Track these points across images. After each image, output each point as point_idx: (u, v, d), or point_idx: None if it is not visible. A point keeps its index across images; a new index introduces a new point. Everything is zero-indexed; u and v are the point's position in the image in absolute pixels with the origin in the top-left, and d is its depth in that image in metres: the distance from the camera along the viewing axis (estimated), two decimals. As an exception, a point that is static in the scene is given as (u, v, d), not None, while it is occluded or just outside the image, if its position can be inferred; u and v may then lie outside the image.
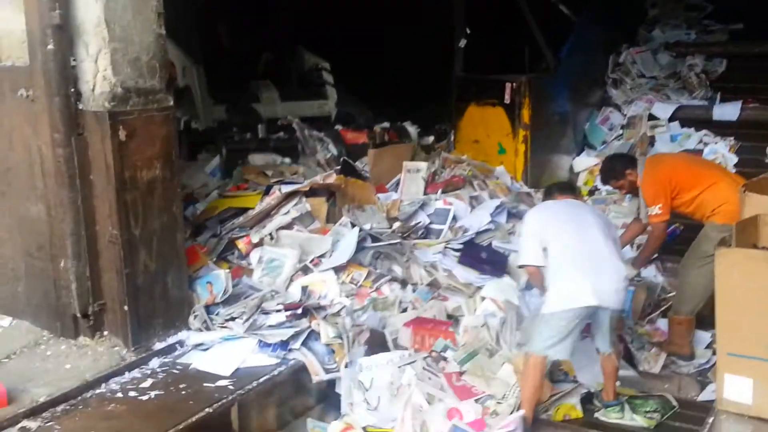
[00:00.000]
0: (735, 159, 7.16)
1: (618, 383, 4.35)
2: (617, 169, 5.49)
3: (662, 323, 5.32)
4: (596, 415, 4.25)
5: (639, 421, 4.20)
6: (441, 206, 5.76)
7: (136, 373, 3.85)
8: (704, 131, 7.56)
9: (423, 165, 6.28)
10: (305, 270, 4.76)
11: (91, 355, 3.99)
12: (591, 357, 4.38)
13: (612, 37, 8.70)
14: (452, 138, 7.50)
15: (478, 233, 5.54)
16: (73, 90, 3.89)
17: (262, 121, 6.32)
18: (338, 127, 7.02)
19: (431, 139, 6.87)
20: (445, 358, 4.39)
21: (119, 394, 3.64)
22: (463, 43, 7.62)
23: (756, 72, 7.84)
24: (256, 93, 6.31)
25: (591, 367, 4.44)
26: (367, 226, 5.11)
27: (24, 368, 3.88)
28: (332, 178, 5.33)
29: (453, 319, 4.82)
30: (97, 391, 3.66)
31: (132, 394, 3.64)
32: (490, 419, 3.97)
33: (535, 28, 7.63)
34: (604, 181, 5.87)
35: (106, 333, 4.11)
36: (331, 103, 6.97)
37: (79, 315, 4.05)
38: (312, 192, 5.25)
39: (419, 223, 5.54)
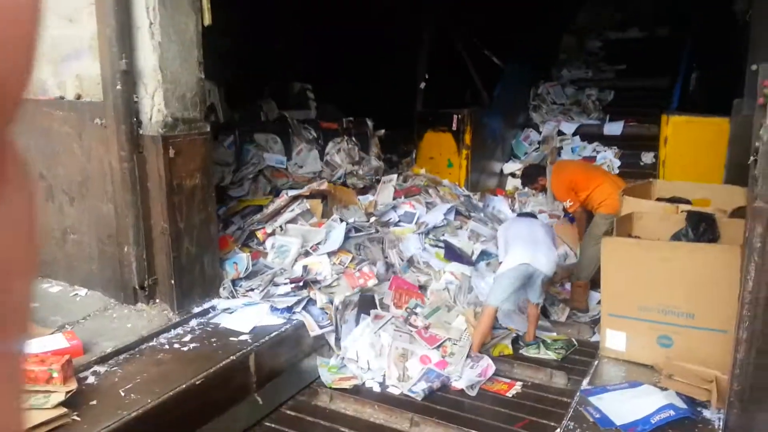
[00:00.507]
0: (619, 162, 7.50)
1: (536, 329, 4.49)
2: (532, 176, 5.71)
3: (567, 286, 5.39)
4: (521, 351, 4.41)
5: (551, 354, 4.35)
6: (408, 209, 5.76)
7: (179, 330, 3.81)
8: (596, 143, 7.88)
9: (394, 177, 6.27)
10: (306, 254, 4.72)
11: (146, 317, 3.95)
12: (520, 313, 4.65)
13: (532, 75, 8.96)
14: (414, 156, 7.48)
15: (435, 227, 5.55)
16: (135, 119, 3.83)
17: (266, 116, 6.40)
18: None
19: (382, 131, 6.94)
20: (416, 314, 4.45)
21: (166, 346, 3.60)
22: (423, 85, 7.62)
23: (634, 100, 8.29)
24: (262, 106, 6.38)
25: (520, 319, 4.66)
26: (351, 220, 5.08)
27: (96, 327, 3.83)
28: (324, 185, 5.30)
29: (423, 288, 4.86)
30: (150, 344, 3.62)
31: (176, 346, 3.61)
32: (449, 358, 4.07)
33: (474, 74, 7.68)
34: (524, 185, 6.13)
35: (157, 300, 4.06)
36: (312, 111, 7.07)
37: (137, 287, 4.00)
38: (310, 195, 5.21)
39: (390, 219, 5.51)
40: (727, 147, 5.65)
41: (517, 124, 8.48)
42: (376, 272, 4.58)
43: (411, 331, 4.22)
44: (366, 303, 4.45)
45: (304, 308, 4.14)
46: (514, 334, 4.50)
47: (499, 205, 7.02)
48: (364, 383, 3.95)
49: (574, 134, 8.09)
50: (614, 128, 7.91)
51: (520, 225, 4.61)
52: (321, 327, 4.13)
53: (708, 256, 3.51)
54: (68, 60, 4.10)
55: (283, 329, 3.90)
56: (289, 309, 4.05)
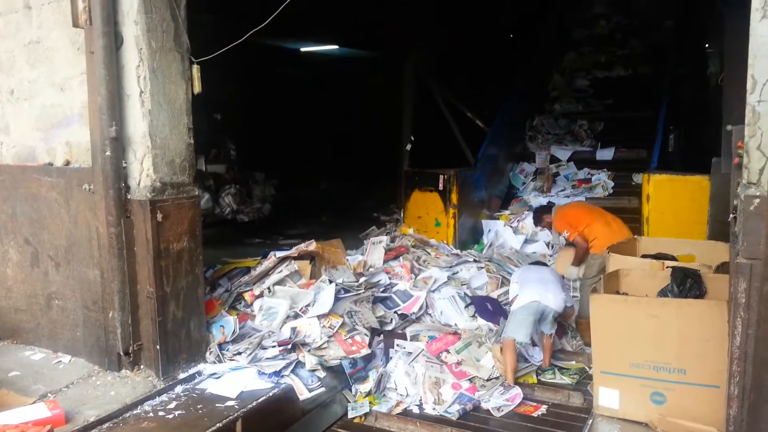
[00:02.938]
0: (612, 183, 8.12)
1: (551, 357, 4.80)
2: (539, 217, 6.25)
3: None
4: (539, 377, 4.69)
5: (566, 379, 4.64)
6: (401, 270, 5.72)
7: (164, 397, 3.73)
8: (587, 169, 8.56)
9: (384, 238, 6.30)
10: (296, 316, 4.68)
11: (130, 384, 3.87)
12: (538, 349, 4.89)
13: (527, 108, 9.70)
14: (402, 215, 7.55)
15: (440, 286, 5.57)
16: (123, 184, 3.87)
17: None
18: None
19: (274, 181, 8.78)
20: (447, 351, 4.69)
21: (151, 414, 3.51)
22: (409, 146, 7.78)
23: (622, 129, 9.00)
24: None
25: (539, 353, 4.87)
26: (340, 281, 5.06)
27: (79, 395, 3.75)
28: (313, 246, 5.31)
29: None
30: (134, 411, 3.53)
31: (161, 413, 3.52)
32: (480, 390, 4.42)
33: (459, 137, 7.87)
34: (535, 224, 6.58)
35: (142, 366, 3.99)
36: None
37: (122, 353, 3.94)
38: (299, 256, 5.21)
39: (380, 280, 5.49)
40: (708, 203, 5.76)
41: (512, 156, 9.10)
42: (368, 341, 4.54)
43: (442, 364, 4.57)
44: (393, 337, 4.85)
45: (292, 371, 4.08)
46: (536, 366, 4.79)
47: (501, 230, 7.46)
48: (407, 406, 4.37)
49: (568, 160, 8.75)
50: (606, 154, 8.65)
51: (531, 271, 5.07)
52: (310, 390, 4.06)
53: (695, 311, 3.53)
54: (58, 127, 4.17)
55: (270, 393, 3.82)
56: (277, 373, 3.99)
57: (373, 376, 4.49)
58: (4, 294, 4.65)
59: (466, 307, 5.33)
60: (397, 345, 4.79)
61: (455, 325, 5.12)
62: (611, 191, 7.98)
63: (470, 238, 7.44)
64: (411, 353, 4.68)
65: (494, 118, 8.70)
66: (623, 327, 3.72)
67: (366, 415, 4.23)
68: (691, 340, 3.49)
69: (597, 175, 8.31)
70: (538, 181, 8.56)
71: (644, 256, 4.59)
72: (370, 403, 4.29)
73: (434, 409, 4.25)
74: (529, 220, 7.36)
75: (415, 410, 4.29)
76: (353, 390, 4.40)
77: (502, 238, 7.32)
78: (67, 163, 4.17)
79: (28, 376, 4.02)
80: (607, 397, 3.78)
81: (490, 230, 7.59)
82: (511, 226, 7.53)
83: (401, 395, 4.43)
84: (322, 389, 4.11)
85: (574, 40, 11.01)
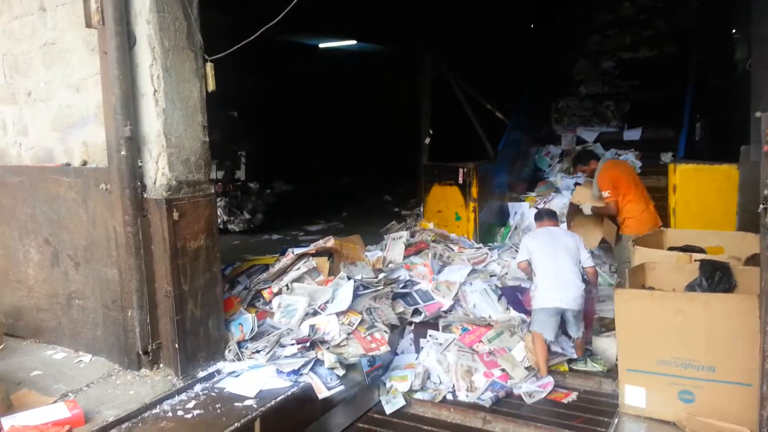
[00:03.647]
0: (640, 163, 8.04)
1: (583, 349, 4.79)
2: (585, 158, 5.97)
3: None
4: (571, 366, 4.77)
5: (598, 366, 4.71)
6: (424, 269, 5.59)
7: (183, 396, 3.72)
8: (614, 149, 8.51)
9: (404, 233, 6.22)
10: (314, 313, 4.65)
11: (149, 383, 3.87)
12: (568, 341, 4.88)
13: (551, 92, 9.68)
14: (422, 209, 7.47)
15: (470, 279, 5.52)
16: (139, 183, 3.86)
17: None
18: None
19: (268, 191, 8.95)
20: (480, 341, 4.78)
21: (170, 414, 3.50)
22: (428, 140, 7.70)
23: (649, 109, 8.80)
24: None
25: (569, 343, 4.87)
26: (358, 277, 5.01)
27: (99, 394, 3.76)
28: (331, 242, 5.25)
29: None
30: (153, 411, 3.52)
31: (179, 413, 3.51)
32: (512, 378, 4.54)
33: (479, 129, 7.76)
34: (574, 164, 6.25)
35: (161, 365, 3.99)
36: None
37: (141, 352, 3.94)
38: (317, 253, 5.17)
39: (400, 276, 5.42)
40: (737, 193, 5.58)
41: (538, 139, 9.08)
42: (388, 338, 4.50)
43: (474, 353, 4.68)
44: (425, 327, 4.94)
45: (311, 369, 4.04)
46: (568, 357, 4.81)
47: (527, 212, 7.40)
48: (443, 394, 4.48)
49: (595, 141, 8.73)
50: (633, 134, 8.64)
51: (542, 243, 4.80)
52: (329, 388, 4.01)
53: (725, 306, 3.40)
54: (75, 128, 4.18)
55: (289, 392, 3.79)
56: (296, 371, 3.95)
57: (410, 373, 4.55)
58: (27, 293, 4.69)
59: (499, 299, 5.33)
60: (430, 335, 4.88)
61: (489, 317, 5.12)
62: (639, 171, 7.77)
63: (490, 232, 7.34)
64: (442, 344, 4.77)
65: (516, 104, 8.64)
66: (649, 323, 3.61)
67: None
68: (720, 336, 3.37)
69: (625, 155, 8.25)
70: (564, 162, 8.58)
71: (671, 249, 4.46)
72: (404, 395, 4.42)
73: (467, 396, 4.38)
74: (555, 201, 7.33)
75: (449, 397, 4.43)
76: (387, 385, 4.49)
77: (528, 220, 7.27)
78: (85, 163, 4.18)
79: (50, 376, 4.04)
80: (633, 396, 3.69)
81: (516, 212, 7.60)
82: (537, 208, 7.41)
83: (434, 383, 4.55)
84: (342, 387, 4.06)
85: (598, 24, 10.83)
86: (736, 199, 5.60)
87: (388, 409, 4.36)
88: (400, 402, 4.39)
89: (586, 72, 10.30)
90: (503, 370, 4.59)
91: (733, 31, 8.35)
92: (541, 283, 4.65)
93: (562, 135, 9.02)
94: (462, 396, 4.40)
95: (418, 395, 4.43)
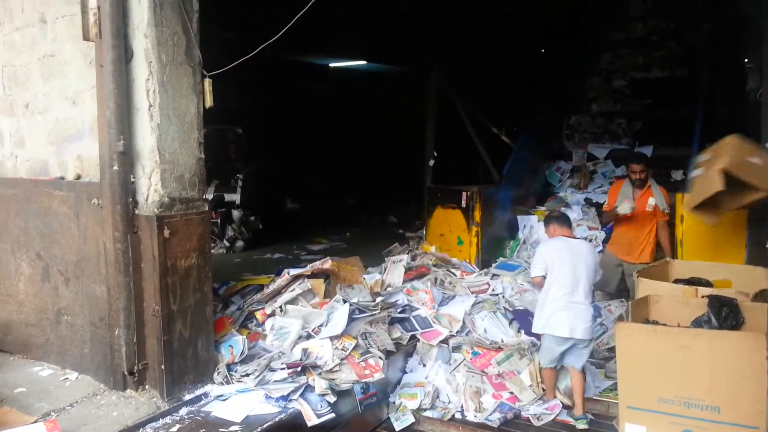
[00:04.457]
0: None
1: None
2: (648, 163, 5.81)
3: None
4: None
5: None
6: (424, 296, 5.45)
7: (167, 419, 3.60)
8: (624, 166, 8.23)
9: (404, 257, 6.11)
10: (308, 336, 4.52)
11: (134, 405, 3.75)
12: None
13: (563, 108, 9.61)
14: (425, 232, 7.36)
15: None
16: (131, 199, 3.78)
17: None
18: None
19: (252, 217, 8.61)
20: (490, 364, 4.77)
21: (151, 438, 3.39)
22: (432, 162, 7.63)
23: (660, 128, 8.73)
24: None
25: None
26: (354, 300, 4.89)
27: (81, 415, 3.65)
28: (328, 264, 5.15)
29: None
30: (135, 435, 3.41)
31: (161, 438, 3.40)
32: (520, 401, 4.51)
33: (484, 153, 7.69)
34: (646, 164, 5.85)
35: (147, 386, 3.87)
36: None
37: (126, 372, 3.83)
38: (313, 274, 5.06)
39: (398, 300, 5.30)
40: (746, 226, 5.43)
41: (549, 154, 9.02)
42: (383, 365, 4.37)
43: (483, 374, 4.66)
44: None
45: (301, 395, 3.91)
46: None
47: (536, 225, 7.29)
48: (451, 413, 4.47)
49: (606, 158, 8.70)
50: (645, 151, 8.31)
51: (561, 259, 4.30)
52: (319, 416, 3.88)
53: (731, 343, 3.26)
54: (70, 141, 4.13)
55: (277, 419, 3.66)
56: (285, 397, 3.83)
57: (419, 392, 4.57)
58: (16, 308, 4.61)
59: (510, 323, 5.27)
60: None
61: (501, 341, 5.06)
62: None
63: (493, 257, 7.20)
64: (450, 364, 4.80)
65: (526, 124, 8.54)
66: (652, 358, 3.48)
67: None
68: (725, 376, 3.22)
69: None
70: (575, 178, 8.62)
71: (677, 281, 4.32)
72: (413, 413, 4.45)
73: (476, 416, 4.38)
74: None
75: (458, 416, 4.43)
76: (396, 402, 4.55)
77: (537, 234, 7.21)
78: (78, 177, 4.12)
79: (34, 393, 3.94)
80: (633, 434, 3.53)
81: (525, 226, 7.54)
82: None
83: (443, 402, 4.57)
84: (332, 415, 3.93)
85: (610, 43, 10.80)
86: (745, 231, 5.45)
87: (397, 426, 4.39)
88: (410, 419, 4.43)
89: (598, 90, 10.34)
90: (512, 392, 4.55)
91: (746, 60, 8.26)
92: (552, 305, 4.26)
93: (573, 151, 9.01)
94: (470, 416, 4.39)
95: (428, 413, 4.45)
